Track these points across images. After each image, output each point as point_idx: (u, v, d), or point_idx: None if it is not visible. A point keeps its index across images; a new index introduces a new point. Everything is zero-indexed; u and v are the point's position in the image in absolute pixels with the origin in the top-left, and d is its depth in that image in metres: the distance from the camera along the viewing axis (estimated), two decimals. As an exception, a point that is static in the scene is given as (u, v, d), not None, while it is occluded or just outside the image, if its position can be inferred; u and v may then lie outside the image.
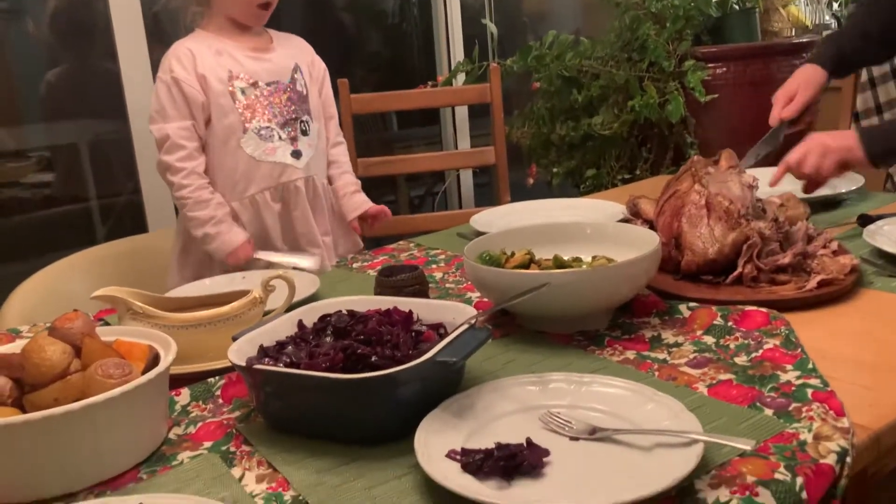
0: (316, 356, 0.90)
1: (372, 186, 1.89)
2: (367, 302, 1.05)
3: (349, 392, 0.84)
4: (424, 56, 3.42)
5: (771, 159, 1.57)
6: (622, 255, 1.15)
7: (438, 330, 0.98)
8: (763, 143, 1.59)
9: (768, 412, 0.86)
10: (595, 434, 0.82)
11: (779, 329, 1.05)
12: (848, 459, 0.77)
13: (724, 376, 0.95)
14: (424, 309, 1.02)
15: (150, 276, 1.72)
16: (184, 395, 1.01)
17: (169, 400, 0.98)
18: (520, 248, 1.24)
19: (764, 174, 1.48)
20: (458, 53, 3.30)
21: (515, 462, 0.76)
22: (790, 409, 0.86)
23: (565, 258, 1.22)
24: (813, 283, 1.17)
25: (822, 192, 1.63)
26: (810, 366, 0.95)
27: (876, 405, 0.87)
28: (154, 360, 0.93)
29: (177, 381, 1.01)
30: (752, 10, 2.87)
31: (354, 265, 1.60)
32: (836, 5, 3.31)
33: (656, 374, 0.98)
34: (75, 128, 2.63)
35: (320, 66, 1.81)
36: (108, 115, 2.51)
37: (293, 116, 1.66)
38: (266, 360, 0.92)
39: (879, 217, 1.42)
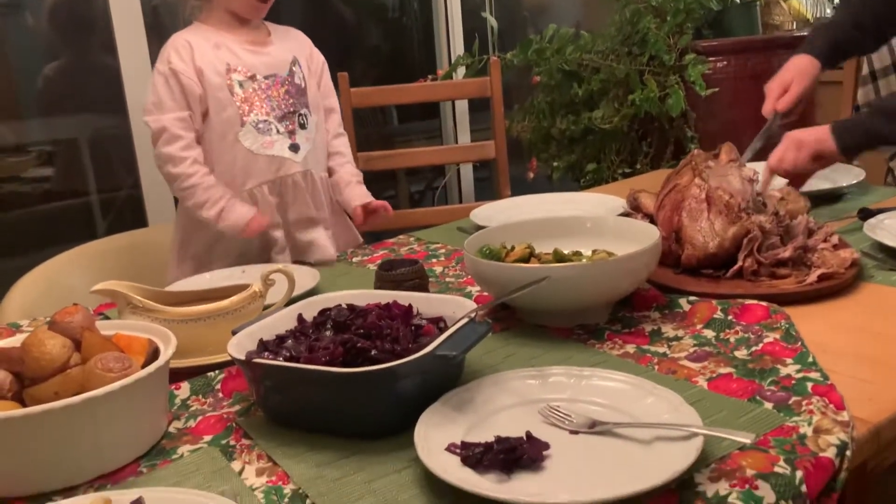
0: (316, 350, 0.90)
1: (372, 181, 1.88)
2: (367, 296, 1.05)
3: (349, 386, 0.84)
4: (424, 50, 3.42)
5: (768, 153, 1.56)
6: (622, 249, 1.15)
7: (438, 324, 0.98)
8: (759, 137, 1.59)
9: (768, 406, 0.86)
10: (595, 428, 0.82)
11: (779, 323, 1.05)
12: (848, 453, 0.77)
13: (723, 370, 0.95)
14: (424, 303, 1.02)
15: (149, 271, 1.72)
16: (184, 389, 1.01)
17: (169, 394, 0.98)
18: (520, 242, 1.24)
19: (762, 168, 1.47)
20: (459, 47, 3.29)
21: (515, 455, 0.76)
22: (790, 402, 0.86)
23: (565, 252, 1.22)
24: (813, 276, 1.16)
25: (823, 185, 1.63)
26: (810, 359, 0.95)
27: (876, 399, 0.87)
28: (154, 354, 0.93)
29: (177, 375, 1.01)
30: (752, 4, 2.86)
31: (354, 259, 1.61)
32: (836, -2, 3.31)
33: (656, 367, 0.98)
34: (75, 122, 2.62)
35: (318, 59, 1.80)
36: (108, 109, 2.51)
37: (291, 110, 1.66)
38: (266, 354, 0.92)
39: (880, 211, 1.42)
